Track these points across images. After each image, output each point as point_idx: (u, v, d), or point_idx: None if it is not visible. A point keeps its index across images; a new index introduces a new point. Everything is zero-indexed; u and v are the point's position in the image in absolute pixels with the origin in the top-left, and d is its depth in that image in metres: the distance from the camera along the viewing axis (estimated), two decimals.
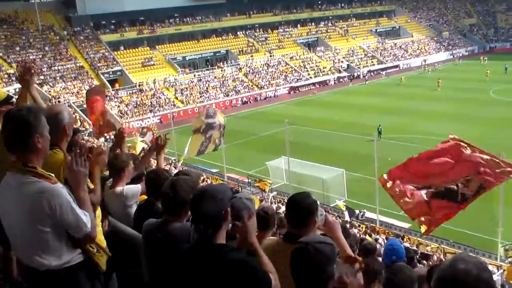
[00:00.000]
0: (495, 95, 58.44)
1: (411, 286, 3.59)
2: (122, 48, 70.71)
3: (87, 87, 58.28)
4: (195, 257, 3.35)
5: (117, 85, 63.14)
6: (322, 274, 2.87)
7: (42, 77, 57.24)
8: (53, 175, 3.68)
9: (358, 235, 16.04)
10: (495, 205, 23.00)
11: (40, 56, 61.62)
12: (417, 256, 16.33)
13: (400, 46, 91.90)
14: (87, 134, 43.90)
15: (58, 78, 59.19)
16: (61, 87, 57.64)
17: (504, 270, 19.03)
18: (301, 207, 3.92)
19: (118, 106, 57.43)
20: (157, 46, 73.65)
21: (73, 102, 53.80)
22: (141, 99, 60.05)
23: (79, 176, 3.74)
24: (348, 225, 21.87)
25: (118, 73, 65.30)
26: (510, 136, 39.96)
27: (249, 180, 33.36)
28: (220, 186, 3.62)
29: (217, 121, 25.26)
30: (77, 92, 57.53)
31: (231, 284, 3.20)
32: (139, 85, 62.91)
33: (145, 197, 5.59)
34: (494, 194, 23.46)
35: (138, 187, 5.78)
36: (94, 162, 4.55)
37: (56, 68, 60.69)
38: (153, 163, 10.46)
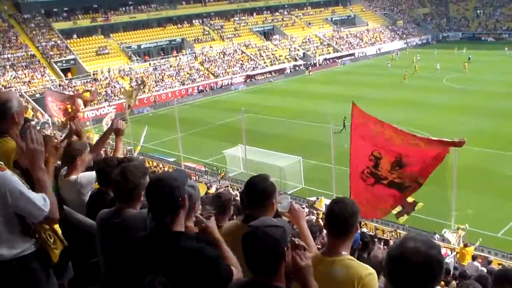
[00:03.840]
0: (448, 82, 59.72)
1: (352, 216, 3.65)
2: (75, 36, 69.12)
3: (39, 76, 57.04)
4: (153, 244, 3.36)
5: (69, 74, 61.82)
6: (272, 257, 2.89)
7: None
8: (1, 162, 3.58)
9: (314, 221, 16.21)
10: (449, 190, 23.53)
11: None
12: (376, 240, 16.60)
13: (356, 35, 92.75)
14: (39, 125, 43.00)
15: (8, 66, 57.59)
16: (11, 76, 56.15)
17: (457, 253, 19.50)
18: (258, 189, 3.96)
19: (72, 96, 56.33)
20: (111, 35, 72.41)
21: (24, 92, 52.52)
22: (96, 88, 59.01)
23: (35, 154, 3.61)
24: (306, 212, 22.08)
25: (72, 62, 63.85)
26: (464, 121, 41.07)
27: (206, 169, 33.32)
28: (175, 173, 3.66)
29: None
30: (29, 81, 56.18)
31: (189, 271, 3.22)
32: (94, 74, 61.82)
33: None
34: (447, 179, 24.02)
35: (93, 174, 5.65)
36: (49, 152, 4.44)
37: (5, 56, 58.95)
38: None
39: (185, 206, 3.44)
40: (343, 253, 3.64)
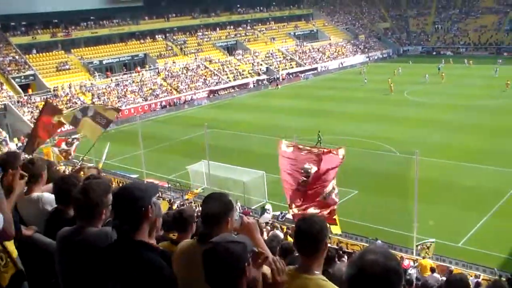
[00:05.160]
0: (409, 96, 60.73)
1: (320, 233, 3.61)
2: (34, 51, 68.14)
3: None
4: (114, 252, 3.40)
5: (30, 91, 60.72)
6: (233, 273, 2.88)
7: None
8: None
9: (281, 236, 16.15)
10: (410, 202, 23.85)
11: None
12: (341, 252, 16.69)
13: (318, 49, 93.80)
14: None
15: None
16: None
17: (418, 265, 19.72)
18: (213, 206, 3.90)
19: (32, 113, 55.25)
20: (72, 50, 71.53)
21: None
22: (57, 104, 57.96)
23: None
24: (269, 227, 22.08)
25: (31, 77, 62.80)
26: (424, 134, 41.82)
27: (169, 185, 33.05)
28: (144, 184, 3.65)
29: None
30: None
31: (143, 282, 3.26)
32: (54, 90, 60.85)
33: None
34: (410, 191, 24.38)
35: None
36: (15, 182, 4.38)
37: None
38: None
39: (149, 217, 3.45)
40: (316, 272, 3.59)
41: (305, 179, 10.61)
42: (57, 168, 5.90)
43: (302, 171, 11.13)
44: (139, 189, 3.48)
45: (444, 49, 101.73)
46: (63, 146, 29.49)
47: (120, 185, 29.18)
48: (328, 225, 3.73)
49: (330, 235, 23.09)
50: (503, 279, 15.30)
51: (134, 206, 3.38)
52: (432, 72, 72.13)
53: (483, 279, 18.13)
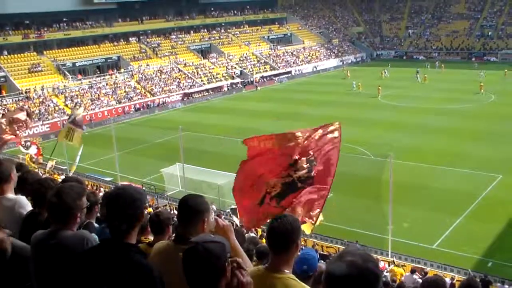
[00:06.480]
0: (383, 99, 61.21)
1: (291, 232, 3.63)
2: (5, 52, 67.09)
3: None
4: (103, 254, 3.43)
5: (3, 92, 59.80)
6: (212, 272, 2.90)
7: None
8: None
9: (256, 238, 16.10)
10: (385, 204, 24.05)
11: None
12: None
13: (292, 53, 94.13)
14: None
15: None
16: None
17: (392, 269, 19.86)
18: (189, 207, 3.95)
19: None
20: (44, 52, 70.54)
21: None
22: (29, 107, 57.21)
23: None
24: (244, 229, 21.98)
25: (2, 79, 61.97)
26: (397, 137, 42.20)
27: (144, 188, 32.78)
28: (137, 188, 3.78)
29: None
30: None
31: (130, 283, 3.29)
32: (26, 92, 60.00)
33: None
34: (384, 194, 24.56)
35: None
36: None
37: None
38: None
39: (141, 220, 3.55)
40: (285, 271, 3.61)
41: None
42: (31, 170, 5.79)
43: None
44: (137, 191, 3.55)
45: (416, 53, 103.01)
46: (22, 149, 29.30)
47: (94, 188, 28.95)
48: (302, 227, 3.75)
49: (305, 238, 23.21)
50: (477, 280, 15.46)
51: (132, 207, 3.43)
52: (413, 76, 73.46)
53: (457, 281, 18.31)
